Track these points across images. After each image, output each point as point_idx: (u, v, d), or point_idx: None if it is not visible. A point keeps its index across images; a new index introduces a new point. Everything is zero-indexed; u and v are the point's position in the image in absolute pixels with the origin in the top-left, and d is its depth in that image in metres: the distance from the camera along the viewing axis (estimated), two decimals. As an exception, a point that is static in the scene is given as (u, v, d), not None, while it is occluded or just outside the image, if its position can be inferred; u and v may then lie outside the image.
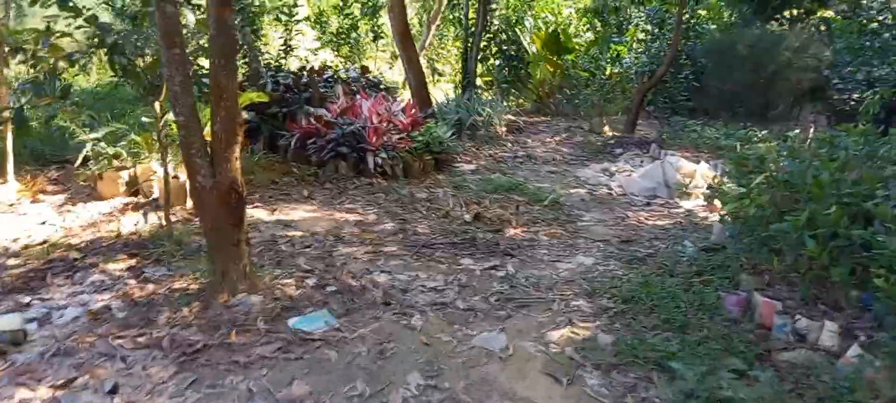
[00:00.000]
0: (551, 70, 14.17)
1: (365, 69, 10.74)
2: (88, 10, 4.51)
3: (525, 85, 12.96)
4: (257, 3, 9.91)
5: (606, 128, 11.47)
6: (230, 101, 3.68)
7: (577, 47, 14.31)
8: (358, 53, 13.50)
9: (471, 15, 11.96)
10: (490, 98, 11.74)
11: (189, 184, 4.04)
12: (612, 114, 13.02)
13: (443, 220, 6.00)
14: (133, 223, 5.41)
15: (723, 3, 13.62)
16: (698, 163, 7.79)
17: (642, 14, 13.47)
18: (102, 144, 6.24)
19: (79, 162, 6.38)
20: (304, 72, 8.85)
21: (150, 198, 6.11)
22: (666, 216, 6.51)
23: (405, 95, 11.14)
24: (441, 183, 7.53)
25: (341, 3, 13.24)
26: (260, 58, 9.75)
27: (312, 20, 13.14)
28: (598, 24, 15.09)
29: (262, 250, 4.92)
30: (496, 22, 12.65)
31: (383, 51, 15.72)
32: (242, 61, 10.11)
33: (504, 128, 11.08)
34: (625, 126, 11.25)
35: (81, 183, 6.48)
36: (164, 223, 5.07)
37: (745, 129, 9.39)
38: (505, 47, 12.24)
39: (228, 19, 3.59)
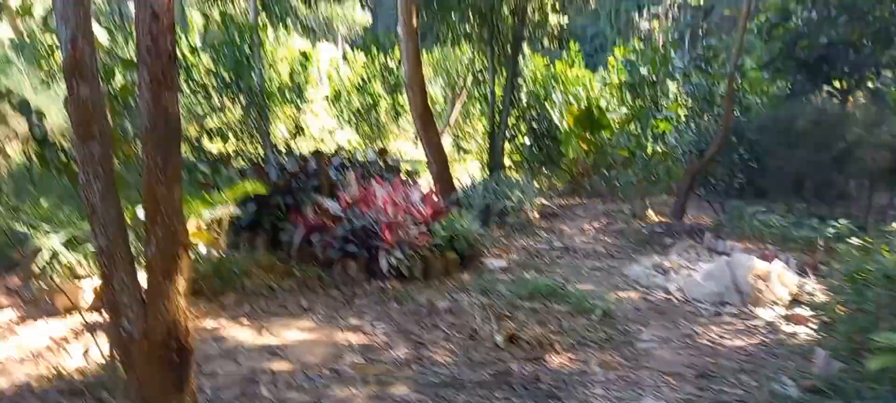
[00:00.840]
0: (585, 148, 13.18)
1: (383, 151, 9.82)
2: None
3: (557, 164, 11.93)
4: (266, 83, 9.16)
5: (650, 213, 10.30)
6: (170, 217, 2.64)
7: (611, 123, 13.32)
8: (379, 133, 12.67)
9: (498, 91, 11.09)
10: (519, 179, 10.71)
11: (110, 332, 2.98)
12: (654, 195, 11.87)
13: (469, 343, 4.83)
14: (83, 353, 4.36)
15: (766, 76, 12.58)
16: (770, 260, 6.56)
17: (682, 89, 12.50)
18: (60, 248, 5.27)
19: (36, 268, 5.40)
20: (312, 157, 7.93)
21: (116, 315, 5.07)
22: (744, 332, 5.26)
23: (427, 178, 10.18)
24: (467, 285, 6.40)
25: (362, 82, 12.51)
26: (268, 140, 8.91)
27: (331, 99, 12.41)
28: (631, 99, 14.14)
29: (235, 399, 3.81)
30: (524, 97, 11.75)
31: (407, 129, 14.95)
32: (252, 145, 9.29)
33: (537, 214, 9.99)
34: (673, 211, 10.07)
35: (38, 293, 5.49)
36: (113, 356, 3.99)
37: (818, 217, 8.16)
38: (534, 124, 11.29)
39: (169, 104, 2.60)
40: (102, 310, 5.04)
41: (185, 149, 9.15)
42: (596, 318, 5.41)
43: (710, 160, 9.67)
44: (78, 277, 5.16)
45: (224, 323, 5.20)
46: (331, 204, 6.77)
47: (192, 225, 5.42)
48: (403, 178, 9.34)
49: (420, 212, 6.99)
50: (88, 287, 5.23)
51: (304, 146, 11.42)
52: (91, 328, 4.74)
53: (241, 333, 4.91)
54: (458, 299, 5.90)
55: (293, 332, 4.99)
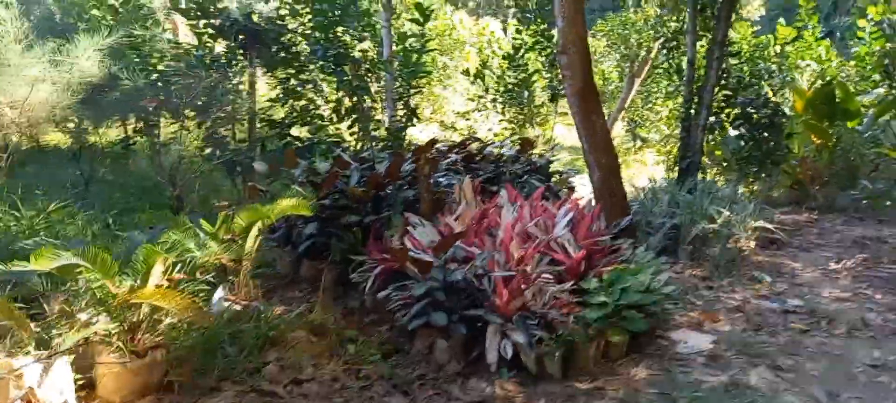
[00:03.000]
0: (818, 142, 9.41)
1: (527, 143, 7.09)
2: None
3: (777, 165, 8.38)
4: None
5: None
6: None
7: (861, 110, 9.40)
8: (531, 117, 9.92)
9: (698, 64, 7.81)
10: (724, 187, 7.43)
11: None
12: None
13: None
14: None
15: None
16: None
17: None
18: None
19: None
20: (411, 153, 5.43)
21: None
22: None
23: (585, 184, 7.29)
24: (641, 394, 3.57)
25: (513, 51, 9.80)
26: (368, 127, 6.58)
27: (472, 75, 9.85)
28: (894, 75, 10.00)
29: None
30: (735, 73, 8.32)
31: (565, 113, 12.02)
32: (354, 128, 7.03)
33: (752, 243, 6.70)
34: None
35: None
36: None
37: None
38: (751, 110, 7.86)
39: None
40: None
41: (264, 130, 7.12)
42: None
43: None
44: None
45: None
46: (419, 234, 4.22)
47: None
48: (553, 187, 6.58)
49: (566, 253, 4.22)
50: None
51: (430, 135, 9.05)
52: None
53: None
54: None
55: None
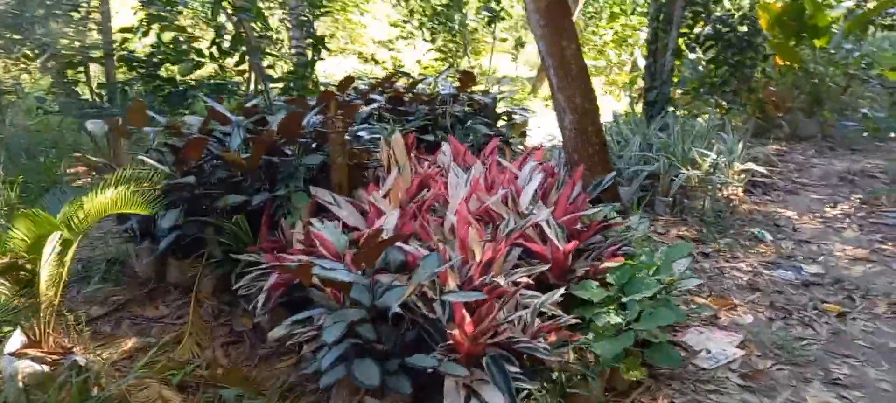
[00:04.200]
0: (783, 64, 8.45)
1: (467, 78, 5.68)
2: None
3: (754, 92, 7.33)
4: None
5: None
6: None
7: (831, 27, 8.44)
8: (462, 46, 8.44)
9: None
10: (702, 123, 6.30)
11: None
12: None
13: None
14: None
15: None
16: None
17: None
18: None
19: None
20: (320, 99, 3.90)
21: None
22: None
23: (548, 132, 6.04)
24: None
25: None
26: (260, 66, 4.97)
27: (394, -3, 8.24)
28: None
29: None
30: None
31: (505, 39, 10.58)
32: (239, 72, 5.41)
33: (741, 190, 5.63)
34: None
35: None
36: None
37: None
38: (724, 29, 6.67)
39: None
40: None
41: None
42: None
43: None
44: None
45: None
46: (329, 232, 2.77)
47: None
48: (504, 133, 5.28)
49: (545, 243, 2.91)
50: None
51: (348, 71, 7.52)
52: None
53: None
54: None
55: None
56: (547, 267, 2.73)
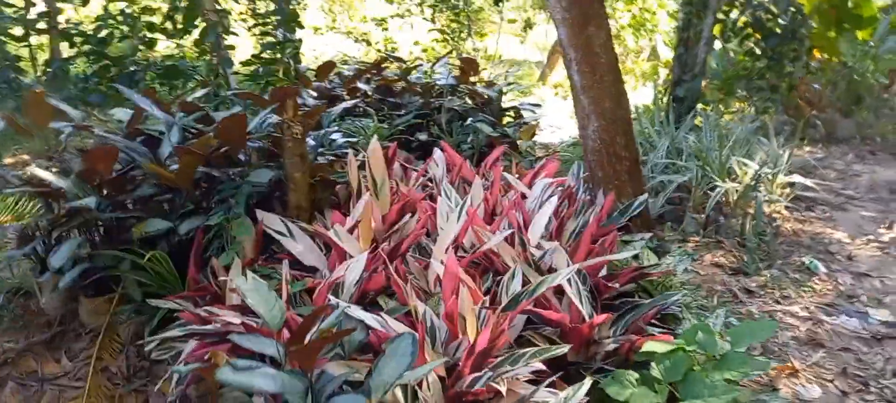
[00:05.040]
0: (822, 58, 7.62)
1: (469, 66, 4.88)
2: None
3: (793, 89, 6.50)
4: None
5: None
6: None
7: (876, 15, 7.58)
8: (466, 27, 7.60)
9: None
10: (734, 123, 5.50)
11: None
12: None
13: None
14: None
15: None
16: None
17: None
18: None
19: None
20: (279, 91, 3.09)
21: None
22: None
23: (551, 126, 5.25)
24: None
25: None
26: (225, 57, 4.17)
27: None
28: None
29: None
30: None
31: (513, 21, 9.67)
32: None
33: (784, 206, 4.84)
34: None
35: None
36: None
37: None
38: (765, 17, 5.82)
39: None
40: None
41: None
42: None
43: None
44: None
45: None
46: (250, 295, 1.98)
47: None
48: (510, 134, 4.53)
49: (560, 296, 2.14)
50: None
51: (337, 52, 6.71)
52: None
53: None
54: None
55: None
56: (567, 348, 1.96)
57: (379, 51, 6.89)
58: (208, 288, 2.41)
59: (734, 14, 5.97)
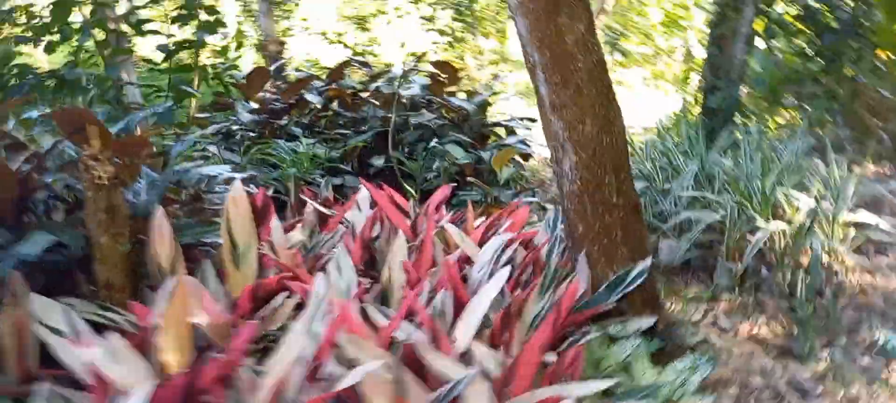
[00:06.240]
0: (890, 59, 6.43)
1: (447, 72, 3.93)
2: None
3: (856, 96, 5.37)
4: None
5: None
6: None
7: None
8: (469, 29, 6.66)
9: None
10: (783, 141, 4.42)
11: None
12: None
13: None
14: None
15: None
16: None
17: None
18: None
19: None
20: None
21: None
22: None
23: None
24: None
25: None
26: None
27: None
28: None
29: None
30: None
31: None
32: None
33: (847, 254, 3.73)
34: None
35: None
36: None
37: None
38: (821, 8, 4.72)
39: None
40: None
41: None
42: None
43: None
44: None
45: None
46: None
47: None
48: (489, 165, 3.59)
49: None
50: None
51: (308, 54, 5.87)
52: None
53: None
54: None
55: None
56: None
57: (358, 52, 5.99)
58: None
59: (780, 6, 4.89)
